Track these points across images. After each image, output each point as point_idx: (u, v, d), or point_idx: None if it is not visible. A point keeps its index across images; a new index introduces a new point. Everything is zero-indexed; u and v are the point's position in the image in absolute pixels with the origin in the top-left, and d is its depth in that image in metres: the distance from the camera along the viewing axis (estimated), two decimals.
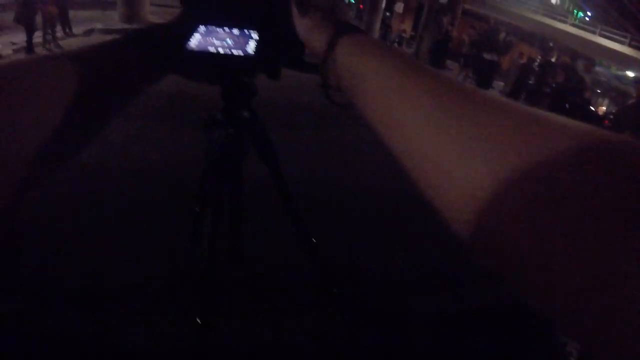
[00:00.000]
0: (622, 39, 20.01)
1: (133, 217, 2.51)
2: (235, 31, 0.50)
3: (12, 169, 0.32)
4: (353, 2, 26.18)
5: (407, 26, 21.13)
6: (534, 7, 23.08)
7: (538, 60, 9.02)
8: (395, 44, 16.76)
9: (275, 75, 0.53)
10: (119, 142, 3.38)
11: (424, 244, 2.52)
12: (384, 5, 15.38)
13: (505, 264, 0.23)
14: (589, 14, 32.65)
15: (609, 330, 0.18)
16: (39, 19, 7.66)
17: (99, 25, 11.02)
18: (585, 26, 22.26)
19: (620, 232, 0.18)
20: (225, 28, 0.50)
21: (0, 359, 1.44)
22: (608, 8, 29.34)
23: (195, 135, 0.69)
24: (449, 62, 11.37)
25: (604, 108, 7.84)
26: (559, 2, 33.62)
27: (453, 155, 0.26)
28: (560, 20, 22.06)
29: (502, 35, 7.96)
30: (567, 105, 6.43)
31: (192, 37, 0.48)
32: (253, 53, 0.47)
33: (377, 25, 15.49)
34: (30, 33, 7.31)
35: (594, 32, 20.58)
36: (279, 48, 0.51)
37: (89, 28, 10.72)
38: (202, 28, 0.50)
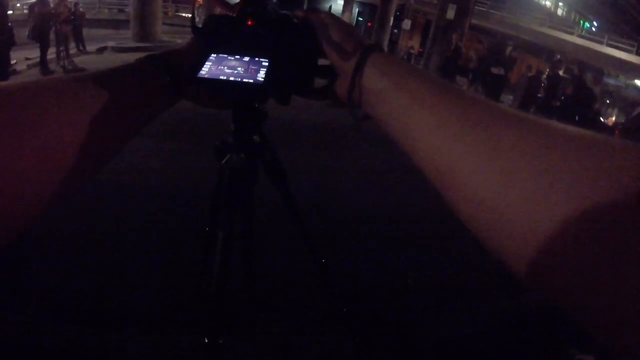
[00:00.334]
0: (629, 47, 19.81)
1: (142, 234, 2.54)
2: (246, 59, 0.51)
3: (27, 190, 0.32)
4: (361, 19, 26.55)
5: (415, 43, 21.30)
6: (540, 20, 23.05)
7: (546, 73, 8.99)
8: None
9: (285, 101, 0.55)
10: (132, 158, 3.44)
11: (434, 262, 2.52)
12: (391, 22, 15.56)
13: (571, 304, 0.22)
14: (595, 24, 32.44)
15: None
16: (52, 35, 7.77)
17: (112, 43, 11.29)
18: (592, 37, 22.12)
19: None
20: (236, 56, 0.51)
21: None
22: (614, 17, 29.15)
23: (208, 154, 0.72)
24: (457, 78, 11.36)
25: (614, 118, 7.73)
26: (565, 13, 33.52)
27: (511, 195, 0.24)
28: (567, 32, 21.99)
29: (509, 50, 7.97)
30: (576, 118, 6.38)
31: (204, 64, 0.49)
32: (263, 81, 0.48)
33: (386, 42, 15.68)
34: (44, 49, 7.46)
35: (601, 42, 20.44)
36: (289, 76, 0.53)
37: (102, 46, 10.97)
38: (213, 56, 0.51)
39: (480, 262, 1.51)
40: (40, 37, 7.31)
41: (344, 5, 24.48)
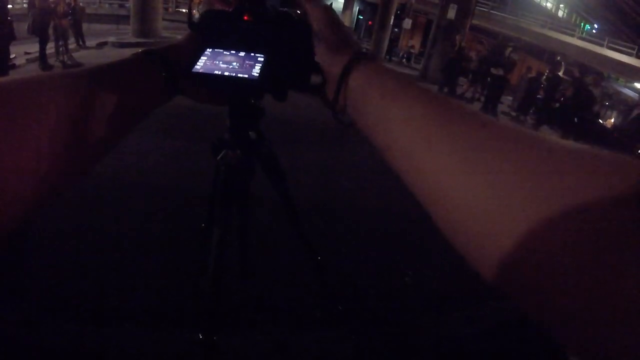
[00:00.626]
0: (629, 50, 19.86)
1: (140, 232, 2.54)
2: (242, 54, 0.51)
3: (21, 186, 0.32)
4: (362, 18, 26.53)
5: (415, 42, 21.29)
6: (541, 22, 23.07)
7: (546, 75, 9.01)
8: (404, 60, 16.91)
9: (282, 97, 0.54)
10: (131, 156, 3.44)
11: (431, 262, 2.52)
12: (392, 21, 15.56)
13: (543, 313, 0.22)
14: (595, 26, 32.51)
15: None
16: (52, 30, 7.75)
17: (112, 39, 11.24)
18: (593, 39, 22.16)
19: None
20: (232, 51, 0.51)
21: None
22: (615, 20, 29.21)
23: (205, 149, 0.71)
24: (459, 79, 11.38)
25: (612, 120, 7.77)
26: (565, 15, 33.57)
27: (488, 202, 0.25)
28: (567, 34, 22.01)
29: (508, 51, 7.97)
30: (575, 119, 6.39)
31: (200, 59, 0.49)
32: (259, 76, 0.48)
33: (386, 41, 15.68)
34: (43, 44, 7.43)
35: (601, 45, 20.47)
36: (285, 71, 0.52)
37: (102, 41, 10.93)
38: (209, 51, 0.51)
39: None
40: (39, 31, 7.28)
41: (345, 4, 24.45)
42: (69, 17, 8.48)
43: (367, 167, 3.88)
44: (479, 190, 0.25)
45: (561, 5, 33.33)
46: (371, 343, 1.86)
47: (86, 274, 2.11)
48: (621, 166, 0.22)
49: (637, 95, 18.49)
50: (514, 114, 9.51)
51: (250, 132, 0.70)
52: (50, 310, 1.86)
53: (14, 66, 6.97)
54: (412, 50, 18.19)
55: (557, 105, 7.17)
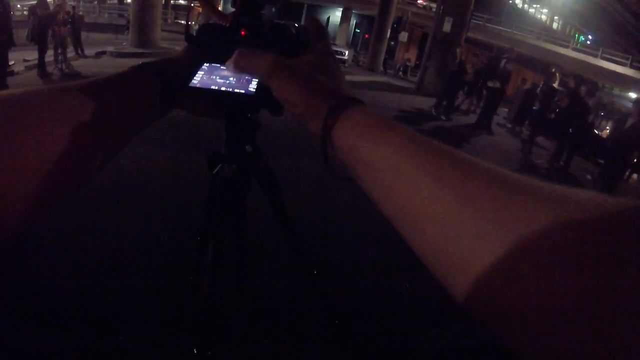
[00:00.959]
0: (623, 60, 20.11)
1: (137, 241, 2.53)
2: None
3: (17, 200, 0.32)
4: (359, 31, 26.82)
5: (412, 55, 21.50)
6: (536, 34, 23.38)
7: (541, 86, 9.09)
8: (400, 73, 17.06)
9: (278, 112, 0.54)
10: (128, 165, 3.43)
11: (429, 273, 2.51)
12: (389, 34, 15.73)
13: (517, 340, 0.24)
14: (590, 37, 32.97)
15: None
16: (51, 38, 7.79)
17: (110, 48, 11.35)
18: (587, 49, 22.46)
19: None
20: None
21: None
22: (609, 31, 29.64)
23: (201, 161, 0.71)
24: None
25: (607, 130, 7.84)
26: (560, 27, 34.05)
27: (455, 227, 0.26)
28: (562, 45, 22.30)
29: (502, 62, 8.04)
30: (570, 130, 6.43)
31: (196, 74, 0.49)
32: (255, 92, 0.48)
33: (383, 54, 15.84)
34: (42, 52, 7.46)
35: (595, 56, 20.74)
36: None
37: (100, 50, 11.01)
38: (206, 65, 0.51)
39: None
40: (39, 39, 7.32)
41: (342, 17, 24.75)
42: (68, 26, 8.54)
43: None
44: (452, 219, 0.27)
45: (555, 17, 33.83)
46: (369, 356, 1.85)
47: (80, 280, 2.09)
48: (583, 197, 0.23)
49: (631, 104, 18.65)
50: (509, 125, 9.57)
51: (246, 146, 0.70)
52: (42, 314, 1.85)
53: (12, 73, 6.98)
54: (408, 63, 18.37)
55: (552, 116, 7.23)
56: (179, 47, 0.58)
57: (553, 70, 9.00)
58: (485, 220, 0.25)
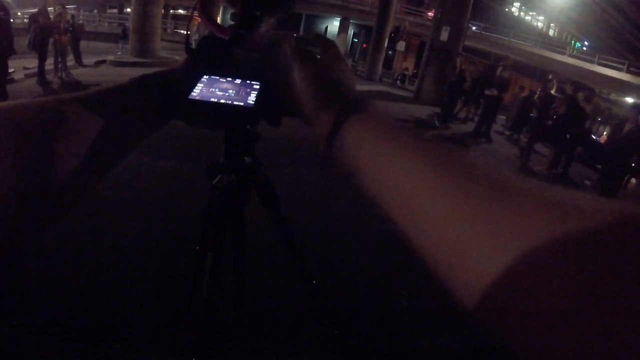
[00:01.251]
0: (620, 65, 20.24)
1: (133, 252, 2.52)
2: (238, 82, 0.51)
3: (16, 214, 0.32)
4: (356, 41, 26.98)
5: (409, 64, 21.68)
6: (533, 41, 23.53)
7: (538, 93, 9.14)
8: (398, 82, 17.15)
9: (276, 123, 0.54)
10: (125, 175, 3.44)
11: (428, 281, 2.51)
12: (386, 44, 15.83)
13: (526, 347, 0.23)
14: (586, 43, 33.18)
15: None
16: (52, 46, 7.81)
17: (110, 57, 11.42)
18: (584, 56, 22.60)
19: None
20: (228, 78, 0.52)
21: None
22: (605, 36, 29.85)
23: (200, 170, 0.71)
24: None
25: (605, 135, 7.86)
26: (556, 34, 34.28)
27: (469, 238, 0.26)
28: (558, 52, 22.45)
29: (499, 70, 8.09)
30: (568, 136, 6.45)
31: (196, 86, 0.50)
32: (254, 104, 0.48)
33: (381, 63, 15.93)
34: (42, 60, 7.50)
35: (592, 62, 20.87)
36: (280, 98, 0.52)
37: (100, 59, 11.08)
38: (205, 78, 0.51)
39: None
40: (39, 47, 7.36)
41: (340, 27, 24.92)
42: (68, 34, 8.58)
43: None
44: (460, 227, 0.27)
45: (552, 25, 34.07)
46: None
47: (76, 292, 2.09)
48: (588, 203, 0.23)
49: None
50: (507, 132, 9.60)
51: (245, 157, 0.70)
52: (39, 326, 1.85)
53: (12, 80, 7.00)
54: (405, 72, 18.48)
55: (550, 122, 7.25)
56: (178, 56, 0.57)
57: (550, 77, 9.05)
58: (490, 228, 0.25)
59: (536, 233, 0.23)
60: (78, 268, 2.30)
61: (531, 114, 8.93)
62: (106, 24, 21.25)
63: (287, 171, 3.99)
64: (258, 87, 0.51)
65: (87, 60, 10.42)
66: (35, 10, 7.79)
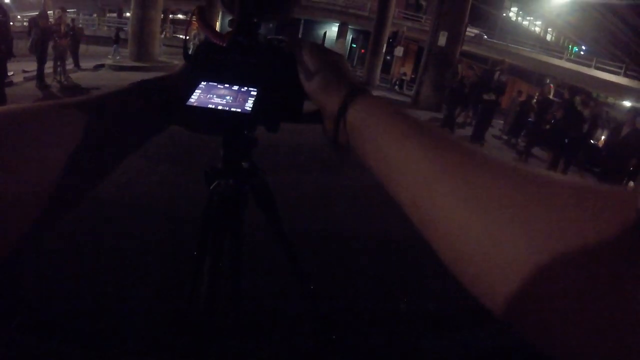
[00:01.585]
0: (617, 69, 20.33)
1: (131, 255, 2.52)
2: (235, 88, 0.52)
3: (15, 217, 0.33)
4: (355, 46, 27.08)
5: (407, 69, 21.71)
6: (530, 46, 23.64)
7: (536, 98, 9.17)
8: (396, 87, 17.20)
9: (274, 129, 0.55)
10: (124, 178, 3.43)
11: (428, 285, 2.50)
12: (384, 49, 15.88)
13: (547, 345, 0.23)
14: (584, 47, 33.35)
15: None
16: (52, 49, 7.83)
17: (109, 61, 11.47)
18: (581, 60, 22.70)
19: None
20: (225, 85, 0.52)
21: None
22: (602, 41, 30.01)
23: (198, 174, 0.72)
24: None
25: (603, 138, 7.88)
26: (553, 39, 34.46)
27: (488, 240, 0.25)
28: (556, 57, 22.55)
29: (496, 75, 8.12)
30: (566, 140, 6.47)
31: (194, 92, 0.50)
32: (252, 110, 0.49)
33: (379, 68, 15.97)
34: (42, 63, 7.49)
35: (589, 66, 20.96)
36: (278, 105, 0.53)
37: (99, 63, 11.11)
38: (203, 84, 0.52)
39: None
40: (40, 50, 7.36)
41: (338, 32, 25.00)
42: (68, 38, 8.59)
43: (362, 190, 3.88)
44: (480, 229, 0.26)
45: (549, 29, 34.26)
46: None
47: (73, 295, 2.08)
48: (619, 200, 0.23)
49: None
50: (505, 137, 9.63)
51: (243, 162, 0.70)
52: (35, 330, 1.84)
53: (11, 83, 7.01)
54: (404, 77, 18.53)
55: (547, 127, 7.27)
56: (177, 60, 0.58)
57: (548, 81, 9.09)
58: (521, 225, 0.24)
59: (571, 231, 0.22)
60: (77, 270, 2.29)
61: (529, 118, 8.96)
62: (105, 28, 21.31)
63: (284, 176, 3.99)
64: (255, 93, 0.52)
65: (86, 64, 10.44)
66: (34, 13, 7.81)
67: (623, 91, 19.46)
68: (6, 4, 6.11)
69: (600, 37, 30.51)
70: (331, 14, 24.08)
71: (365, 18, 22.09)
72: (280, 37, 0.59)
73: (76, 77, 8.95)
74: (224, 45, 0.56)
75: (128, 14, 15.15)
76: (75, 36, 9.40)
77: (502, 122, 10.53)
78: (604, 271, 0.20)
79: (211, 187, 0.70)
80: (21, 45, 7.61)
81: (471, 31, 22.14)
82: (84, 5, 25.63)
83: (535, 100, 9.05)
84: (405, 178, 0.33)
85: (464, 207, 0.27)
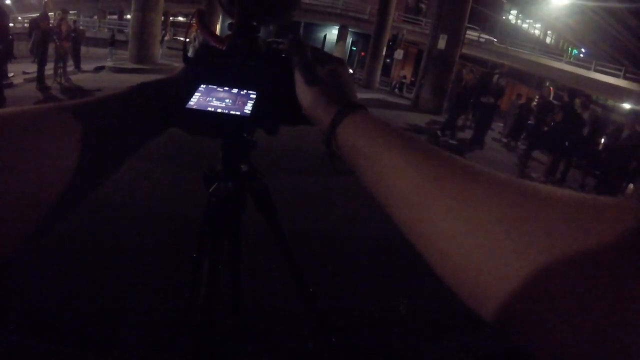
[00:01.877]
0: (616, 72, 20.34)
1: (129, 258, 2.51)
2: (235, 91, 0.52)
3: (14, 220, 0.33)
4: (355, 49, 27.09)
5: (407, 72, 21.77)
6: (530, 48, 23.66)
7: (536, 100, 9.18)
8: (396, 90, 17.22)
9: (273, 132, 0.55)
10: (123, 180, 3.44)
11: (426, 290, 2.50)
12: (384, 52, 15.91)
13: (542, 354, 0.23)
14: (583, 50, 33.40)
15: None
16: (54, 51, 7.81)
17: (109, 63, 11.50)
18: (581, 62, 22.70)
19: None
20: (225, 88, 0.52)
21: None
22: (602, 43, 30.05)
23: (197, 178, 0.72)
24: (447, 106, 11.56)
25: (603, 141, 7.88)
26: (553, 41, 34.50)
27: (484, 251, 0.25)
28: (555, 59, 22.56)
29: (495, 78, 8.12)
30: (566, 143, 6.47)
31: (193, 95, 0.51)
32: (250, 113, 0.49)
33: (379, 71, 15.99)
34: (42, 65, 7.48)
35: (589, 68, 20.97)
36: (277, 108, 0.53)
37: (99, 65, 11.15)
38: (203, 87, 0.52)
39: None
40: (40, 52, 7.36)
41: (338, 35, 25.01)
42: (70, 40, 8.59)
43: (361, 192, 3.88)
44: (474, 244, 0.26)
45: (549, 32, 34.31)
46: None
47: (71, 298, 2.07)
48: (614, 210, 0.23)
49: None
50: (504, 140, 9.63)
51: (242, 165, 0.71)
52: (32, 333, 1.83)
53: (11, 85, 7.02)
54: (403, 80, 18.55)
55: (547, 130, 7.28)
56: (177, 64, 0.58)
57: (547, 84, 9.10)
58: (517, 240, 0.24)
59: (565, 244, 0.22)
60: (77, 271, 2.29)
61: (529, 121, 8.96)
62: (106, 30, 21.34)
63: (283, 178, 4.00)
64: (255, 96, 0.52)
65: (87, 65, 10.45)
66: (35, 15, 7.81)
67: (622, 93, 19.47)
68: (7, 5, 6.11)
69: (600, 40, 30.57)
70: (331, 17, 24.10)
71: (365, 21, 22.11)
72: (280, 39, 0.59)
73: (76, 78, 8.96)
74: (224, 48, 0.57)
75: (129, 16, 15.16)
76: (76, 38, 9.41)
77: (501, 125, 10.53)
78: (602, 278, 0.20)
79: (210, 190, 0.70)
80: (22, 46, 7.60)
81: (481, 36, 22.23)
82: (85, 7, 25.70)
83: (534, 103, 9.06)
84: (396, 192, 0.34)
85: (457, 222, 0.28)
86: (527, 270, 0.23)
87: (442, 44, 10.99)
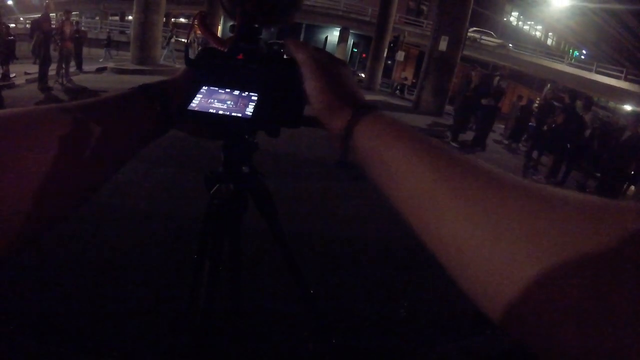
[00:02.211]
0: (617, 74, 20.32)
1: (129, 258, 2.52)
2: (236, 93, 0.52)
3: (16, 218, 0.33)
4: (356, 51, 27.10)
5: (408, 74, 21.75)
6: (531, 50, 23.63)
7: (537, 102, 9.17)
8: (398, 92, 17.21)
9: (274, 134, 0.55)
10: (122, 181, 3.45)
11: (427, 292, 2.50)
12: (386, 54, 15.91)
13: (547, 352, 0.23)
14: (584, 52, 33.38)
15: None
16: (57, 52, 7.85)
17: (111, 64, 11.56)
18: (582, 64, 22.68)
19: None
20: (226, 89, 0.52)
21: None
22: (603, 45, 30.04)
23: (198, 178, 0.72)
24: (448, 108, 11.57)
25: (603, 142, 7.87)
26: (554, 43, 34.49)
27: (491, 252, 0.26)
28: (557, 61, 22.54)
29: (496, 80, 8.12)
30: (568, 145, 6.46)
31: (195, 97, 0.50)
32: (252, 115, 0.49)
33: (380, 73, 15.99)
34: (44, 66, 7.50)
35: (590, 70, 20.94)
36: (278, 110, 0.53)
37: (101, 66, 11.25)
38: (204, 89, 0.52)
39: None
40: (43, 53, 7.38)
41: (340, 37, 25.03)
42: (73, 41, 8.61)
43: (362, 193, 3.88)
44: (483, 242, 0.27)
45: (550, 34, 34.29)
46: None
47: (75, 297, 2.08)
48: (623, 213, 0.23)
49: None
50: (506, 142, 9.62)
51: (243, 167, 0.71)
52: (30, 334, 1.84)
53: (13, 85, 7.05)
54: (405, 82, 18.54)
55: (549, 131, 7.27)
56: (179, 65, 0.58)
57: (549, 86, 9.10)
58: (529, 244, 0.24)
59: (573, 246, 0.22)
60: (77, 271, 2.29)
61: (530, 123, 8.96)
62: (108, 31, 21.40)
63: (284, 180, 4.00)
64: (256, 98, 0.52)
65: (88, 66, 10.49)
66: (37, 15, 7.84)
67: (623, 95, 19.44)
68: (8, 5, 6.14)
69: (601, 42, 30.57)
70: (333, 19, 24.11)
71: (367, 23, 22.11)
72: (281, 41, 0.59)
73: (78, 79, 8.98)
74: (225, 50, 0.57)
75: (130, 18, 15.20)
76: (79, 39, 9.44)
77: (503, 126, 10.52)
78: (605, 280, 0.20)
79: (211, 191, 0.70)
80: (23, 47, 7.61)
81: (494, 40, 22.18)
82: (87, 8, 25.74)
83: (536, 105, 9.05)
84: (412, 193, 0.34)
85: (472, 224, 0.28)
86: (537, 272, 0.23)
87: (443, 45, 10.99)
